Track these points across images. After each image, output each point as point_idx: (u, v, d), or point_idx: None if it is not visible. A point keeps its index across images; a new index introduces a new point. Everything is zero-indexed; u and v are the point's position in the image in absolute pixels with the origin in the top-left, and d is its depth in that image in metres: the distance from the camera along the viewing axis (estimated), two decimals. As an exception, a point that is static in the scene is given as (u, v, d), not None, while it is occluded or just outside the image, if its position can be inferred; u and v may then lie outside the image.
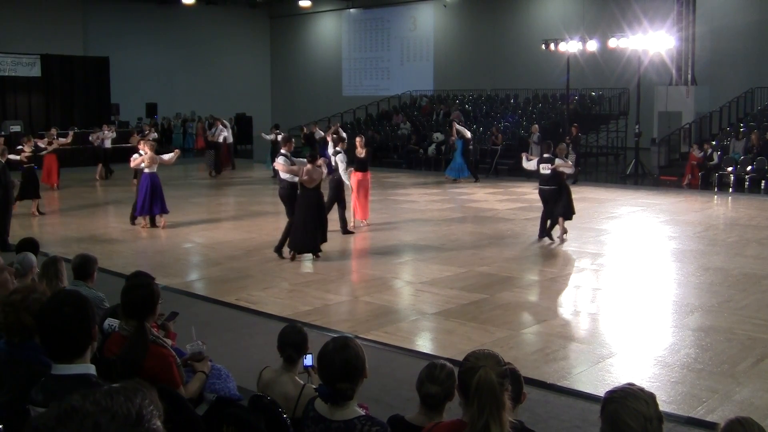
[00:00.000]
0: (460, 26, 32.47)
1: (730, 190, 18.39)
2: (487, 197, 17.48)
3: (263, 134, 23.52)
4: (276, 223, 14.11)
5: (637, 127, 21.45)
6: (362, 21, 36.30)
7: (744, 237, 12.41)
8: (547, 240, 11.88)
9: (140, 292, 3.90)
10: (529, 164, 12.34)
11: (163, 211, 13.25)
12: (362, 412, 3.04)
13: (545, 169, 11.78)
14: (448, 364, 3.47)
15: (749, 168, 18.43)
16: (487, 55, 30.87)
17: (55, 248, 10.69)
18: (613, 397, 2.50)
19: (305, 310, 8.20)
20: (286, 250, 10.71)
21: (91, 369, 2.62)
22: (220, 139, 22.89)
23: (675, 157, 21.77)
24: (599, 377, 6.14)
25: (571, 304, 8.57)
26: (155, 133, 21.36)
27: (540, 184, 12.04)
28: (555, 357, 6.66)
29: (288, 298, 8.85)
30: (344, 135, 15.85)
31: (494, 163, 22.56)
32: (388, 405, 5.02)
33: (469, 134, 21.18)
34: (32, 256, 5.87)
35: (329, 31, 37.84)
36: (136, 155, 13.43)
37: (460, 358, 2.79)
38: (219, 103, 34.51)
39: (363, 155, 13.01)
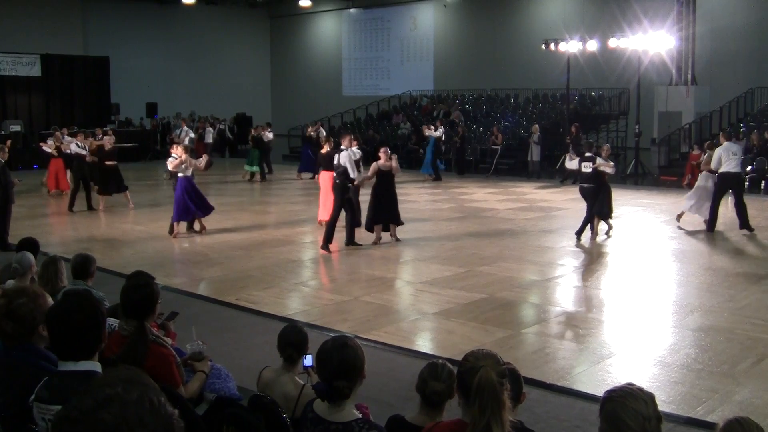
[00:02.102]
0: (460, 26, 32.47)
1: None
2: (487, 197, 17.48)
3: (266, 133, 22.99)
4: (276, 222, 14.12)
5: (637, 127, 21.45)
6: (362, 21, 36.29)
7: (744, 237, 12.41)
8: (585, 239, 12.11)
9: (140, 292, 3.90)
10: (572, 163, 12.87)
11: (207, 212, 12.76)
12: (359, 414, 3.04)
13: (587, 168, 12.18)
14: (447, 363, 3.49)
15: (749, 168, 18.42)
16: (487, 55, 30.86)
17: (55, 248, 10.70)
18: (612, 396, 2.50)
19: (305, 310, 8.20)
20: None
21: (97, 367, 2.63)
22: (186, 141, 21.44)
23: (675, 157, 21.78)
24: (599, 377, 6.14)
25: (571, 304, 8.57)
26: (112, 136, 20.45)
27: (580, 182, 12.52)
28: (555, 357, 6.66)
29: (288, 298, 8.86)
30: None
31: (494, 163, 22.57)
32: (388, 405, 5.02)
33: (437, 133, 21.79)
34: (30, 256, 5.86)
35: (329, 31, 37.83)
36: (172, 158, 12.79)
37: (460, 358, 2.79)
38: (219, 103, 34.51)
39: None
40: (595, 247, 11.68)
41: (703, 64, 23.24)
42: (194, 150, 21.89)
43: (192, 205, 12.45)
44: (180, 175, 12.51)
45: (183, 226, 12.86)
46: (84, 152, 15.99)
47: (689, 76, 22.59)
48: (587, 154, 12.39)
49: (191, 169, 12.60)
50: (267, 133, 22.13)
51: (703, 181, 13.13)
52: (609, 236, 12.30)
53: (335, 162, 11.50)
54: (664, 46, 21.33)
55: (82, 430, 1.31)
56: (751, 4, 24.60)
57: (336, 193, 11.41)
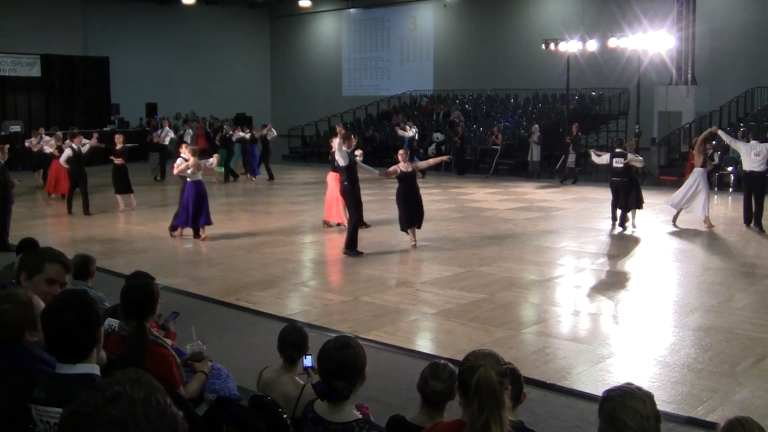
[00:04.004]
0: (460, 26, 32.47)
1: (730, 190, 18.39)
2: (487, 197, 17.48)
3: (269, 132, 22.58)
4: (276, 222, 14.12)
5: (637, 127, 21.45)
6: (362, 21, 36.29)
7: (744, 237, 12.42)
8: (618, 228, 12.88)
9: (140, 292, 3.90)
10: (600, 159, 13.50)
11: (207, 222, 12.18)
12: (359, 414, 3.04)
13: (618, 163, 12.92)
14: (449, 363, 3.49)
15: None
16: (487, 55, 30.86)
17: (55, 248, 10.67)
18: (610, 395, 2.50)
19: (305, 310, 8.20)
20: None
21: (95, 369, 2.62)
22: (166, 141, 21.38)
23: (675, 157, 21.76)
24: (599, 377, 6.14)
25: (571, 304, 8.56)
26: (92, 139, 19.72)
27: (612, 177, 13.23)
28: (555, 357, 6.66)
29: (288, 298, 8.86)
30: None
31: (494, 163, 22.57)
32: (388, 405, 5.02)
33: (410, 133, 22.80)
34: (32, 257, 5.86)
35: (329, 31, 37.83)
36: (179, 160, 12.18)
37: (460, 358, 2.79)
38: (219, 103, 34.51)
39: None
40: (594, 248, 11.67)
41: (703, 64, 23.22)
42: (165, 150, 21.30)
43: (191, 213, 11.97)
44: (189, 179, 11.97)
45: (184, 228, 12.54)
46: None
47: (689, 76, 22.57)
48: (618, 150, 13.09)
49: (200, 172, 12.03)
50: (237, 132, 21.77)
51: (694, 178, 13.18)
52: (635, 228, 12.89)
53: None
54: (664, 46, 21.33)
55: (90, 425, 1.36)
56: (751, 4, 24.59)
57: (348, 195, 11.26)
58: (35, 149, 19.26)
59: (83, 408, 1.37)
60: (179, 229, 12.36)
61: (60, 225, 14.57)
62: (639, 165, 13.09)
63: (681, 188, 13.44)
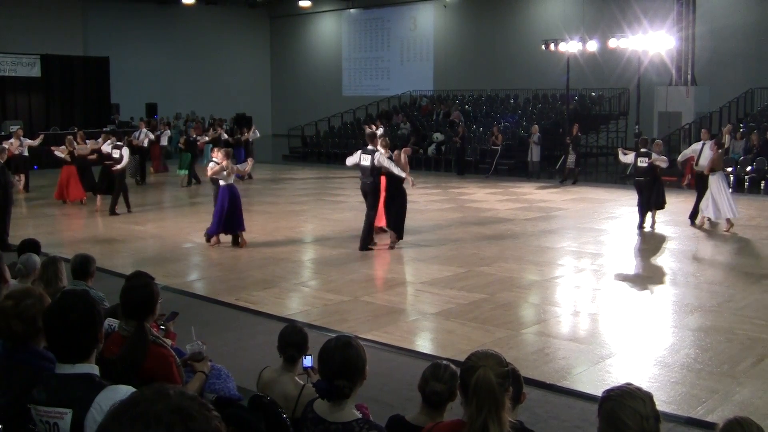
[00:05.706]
0: (460, 26, 32.48)
1: (730, 190, 18.36)
2: (487, 197, 17.48)
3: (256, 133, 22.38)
4: (275, 223, 14.12)
5: (637, 127, 21.45)
6: (362, 21, 36.30)
7: (744, 237, 12.42)
8: (645, 228, 13.00)
9: (140, 292, 3.89)
10: (627, 158, 13.83)
11: (241, 227, 11.72)
12: (359, 414, 3.04)
13: (642, 162, 13.05)
14: (451, 365, 3.48)
15: (749, 168, 18.44)
16: (487, 55, 30.87)
17: (55, 249, 10.69)
18: (610, 395, 2.50)
19: (305, 310, 8.21)
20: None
21: (95, 369, 2.63)
22: (145, 143, 20.88)
23: (675, 157, 21.75)
24: (599, 377, 6.14)
25: (571, 304, 8.56)
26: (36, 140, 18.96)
27: (636, 176, 13.40)
28: (555, 357, 6.66)
29: (288, 298, 8.86)
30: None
31: (494, 164, 22.57)
32: (388, 405, 5.02)
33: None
34: (36, 257, 5.88)
35: (329, 31, 37.84)
36: (212, 163, 11.73)
37: (460, 358, 2.80)
38: (219, 103, 34.52)
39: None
40: (594, 248, 11.68)
41: (703, 64, 23.23)
42: (144, 153, 20.96)
43: (224, 219, 11.50)
44: (221, 183, 11.54)
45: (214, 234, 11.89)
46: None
47: (689, 76, 22.58)
48: (642, 150, 13.20)
49: (233, 176, 11.63)
50: (198, 135, 21.32)
51: (716, 182, 13.04)
52: (654, 229, 13.02)
53: (367, 164, 11.07)
54: (664, 46, 21.33)
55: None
56: (751, 4, 24.59)
57: (375, 194, 11.23)
58: (16, 152, 18.25)
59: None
60: (215, 238, 11.77)
61: (60, 225, 14.57)
62: (663, 165, 13.17)
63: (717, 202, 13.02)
